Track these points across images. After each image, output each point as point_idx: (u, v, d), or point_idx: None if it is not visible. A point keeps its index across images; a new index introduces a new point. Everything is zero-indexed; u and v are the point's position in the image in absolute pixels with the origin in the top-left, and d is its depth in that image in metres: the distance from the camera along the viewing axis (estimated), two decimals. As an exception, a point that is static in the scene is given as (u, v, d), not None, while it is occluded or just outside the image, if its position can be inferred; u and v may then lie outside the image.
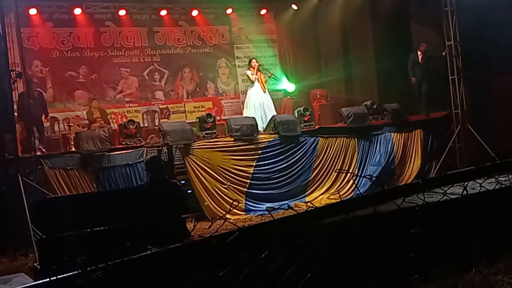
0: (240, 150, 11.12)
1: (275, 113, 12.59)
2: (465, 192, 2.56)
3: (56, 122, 13.05)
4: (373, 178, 8.24)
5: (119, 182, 10.18)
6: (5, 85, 8.97)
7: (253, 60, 13.05)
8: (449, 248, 3.30)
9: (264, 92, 12.93)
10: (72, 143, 11.29)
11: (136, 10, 14.81)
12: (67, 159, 10.13)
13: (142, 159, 10.18)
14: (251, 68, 12.93)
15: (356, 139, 12.11)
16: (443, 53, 12.75)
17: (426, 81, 12.98)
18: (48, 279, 1.69)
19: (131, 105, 14.70)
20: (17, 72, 9.57)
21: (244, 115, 12.87)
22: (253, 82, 12.86)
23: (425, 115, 12.99)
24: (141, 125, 13.13)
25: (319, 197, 11.50)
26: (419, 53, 13.01)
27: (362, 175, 11.76)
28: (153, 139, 11.56)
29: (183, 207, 6.41)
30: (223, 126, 12.11)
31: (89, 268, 1.70)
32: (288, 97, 15.51)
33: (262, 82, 12.88)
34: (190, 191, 10.34)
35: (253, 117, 11.82)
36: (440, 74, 12.92)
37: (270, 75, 14.08)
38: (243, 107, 14.15)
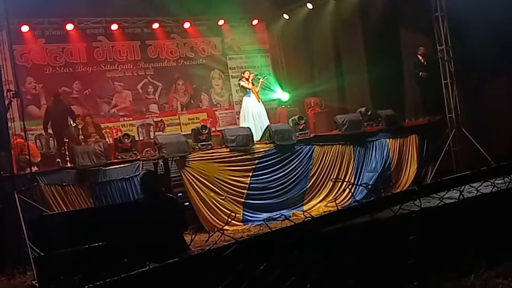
0: (236, 161, 11.10)
1: (269, 123, 12.62)
2: (461, 196, 2.56)
3: (51, 138, 13.03)
4: (370, 186, 8.23)
5: (115, 197, 10.15)
6: (-1, 103, 8.93)
7: (246, 72, 13.12)
8: (448, 253, 3.30)
9: (259, 102, 13.01)
10: (68, 158, 11.25)
11: (128, 24, 14.84)
12: (63, 175, 10.09)
13: (138, 173, 10.15)
14: (243, 79, 12.97)
15: (351, 146, 12.11)
16: (438, 57, 12.75)
17: (428, 85, 13.00)
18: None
19: (125, 119, 14.70)
20: (13, 92, 9.46)
21: (241, 125, 12.86)
22: (248, 92, 12.89)
23: (427, 119, 13.01)
24: (136, 138, 13.11)
25: (317, 205, 11.48)
26: (420, 57, 13.05)
27: (359, 182, 11.76)
28: (149, 152, 11.53)
29: (182, 222, 6.38)
30: (218, 137, 12.09)
31: (86, 286, 1.69)
32: (283, 106, 15.56)
33: (255, 93, 12.96)
34: (187, 203, 10.33)
35: (248, 127, 11.81)
36: (433, 79, 12.94)
37: (262, 79, 13.72)
38: (237, 118, 14.15)
